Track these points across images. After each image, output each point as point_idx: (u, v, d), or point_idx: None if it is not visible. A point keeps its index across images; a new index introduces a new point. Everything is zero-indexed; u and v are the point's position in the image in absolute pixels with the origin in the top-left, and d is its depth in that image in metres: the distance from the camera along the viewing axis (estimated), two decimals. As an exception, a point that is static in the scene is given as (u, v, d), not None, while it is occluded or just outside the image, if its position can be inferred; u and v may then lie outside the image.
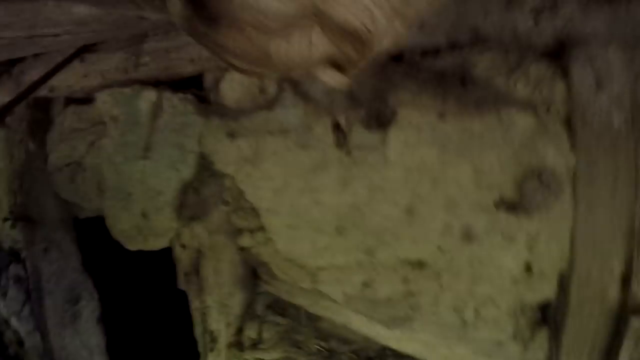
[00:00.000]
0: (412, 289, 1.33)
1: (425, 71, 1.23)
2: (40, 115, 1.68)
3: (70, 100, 1.64)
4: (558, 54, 1.22)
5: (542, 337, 1.30)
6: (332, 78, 0.79)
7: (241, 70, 0.86)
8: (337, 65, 0.78)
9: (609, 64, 1.18)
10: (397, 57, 1.23)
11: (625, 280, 1.18)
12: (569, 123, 1.20)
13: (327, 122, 1.27)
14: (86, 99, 1.59)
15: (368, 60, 0.77)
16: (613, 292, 1.19)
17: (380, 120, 1.22)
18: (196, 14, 0.80)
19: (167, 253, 1.60)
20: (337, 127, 1.25)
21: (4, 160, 1.76)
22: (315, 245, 1.33)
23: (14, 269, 1.78)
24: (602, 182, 1.18)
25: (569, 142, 1.20)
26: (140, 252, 1.62)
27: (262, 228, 1.38)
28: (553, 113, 1.22)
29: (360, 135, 1.25)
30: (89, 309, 1.81)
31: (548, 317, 1.29)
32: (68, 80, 1.53)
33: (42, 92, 1.53)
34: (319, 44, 0.78)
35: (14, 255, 1.78)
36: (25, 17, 1.08)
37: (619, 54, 1.17)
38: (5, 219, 1.76)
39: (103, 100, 1.53)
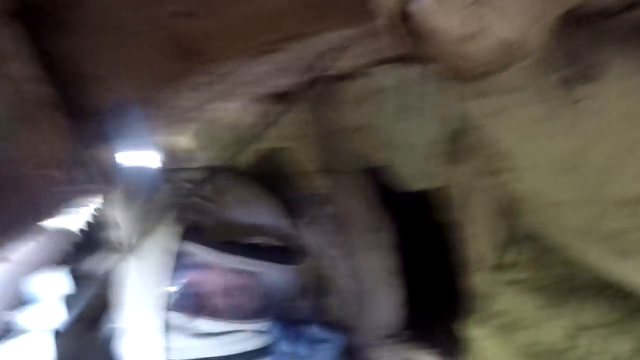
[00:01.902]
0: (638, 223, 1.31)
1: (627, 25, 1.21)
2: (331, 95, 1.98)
3: (341, 77, 1.87)
4: None
5: None
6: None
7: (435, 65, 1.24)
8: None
9: None
10: (604, 14, 1.23)
11: None
12: None
13: (550, 81, 1.36)
14: (357, 75, 1.84)
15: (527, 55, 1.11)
16: None
17: (595, 74, 1.29)
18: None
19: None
20: (560, 82, 1.36)
21: (309, 129, 2.09)
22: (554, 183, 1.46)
23: (328, 209, 2.11)
24: None
25: None
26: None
27: (512, 169, 1.55)
28: None
29: (580, 89, 1.32)
30: (388, 238, 2.11)
31: None
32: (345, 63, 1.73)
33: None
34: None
35: (326, 198, 2.12)
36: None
37: None
38: (318, 172, 2.13)
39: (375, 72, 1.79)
